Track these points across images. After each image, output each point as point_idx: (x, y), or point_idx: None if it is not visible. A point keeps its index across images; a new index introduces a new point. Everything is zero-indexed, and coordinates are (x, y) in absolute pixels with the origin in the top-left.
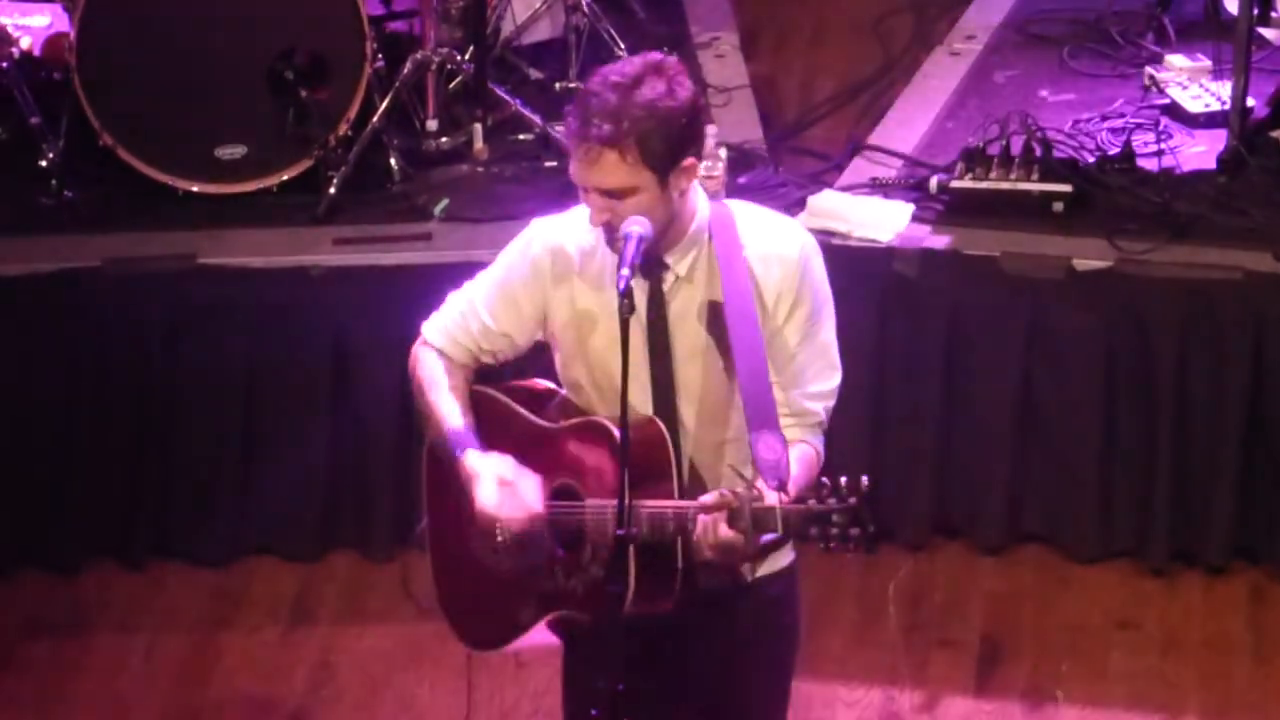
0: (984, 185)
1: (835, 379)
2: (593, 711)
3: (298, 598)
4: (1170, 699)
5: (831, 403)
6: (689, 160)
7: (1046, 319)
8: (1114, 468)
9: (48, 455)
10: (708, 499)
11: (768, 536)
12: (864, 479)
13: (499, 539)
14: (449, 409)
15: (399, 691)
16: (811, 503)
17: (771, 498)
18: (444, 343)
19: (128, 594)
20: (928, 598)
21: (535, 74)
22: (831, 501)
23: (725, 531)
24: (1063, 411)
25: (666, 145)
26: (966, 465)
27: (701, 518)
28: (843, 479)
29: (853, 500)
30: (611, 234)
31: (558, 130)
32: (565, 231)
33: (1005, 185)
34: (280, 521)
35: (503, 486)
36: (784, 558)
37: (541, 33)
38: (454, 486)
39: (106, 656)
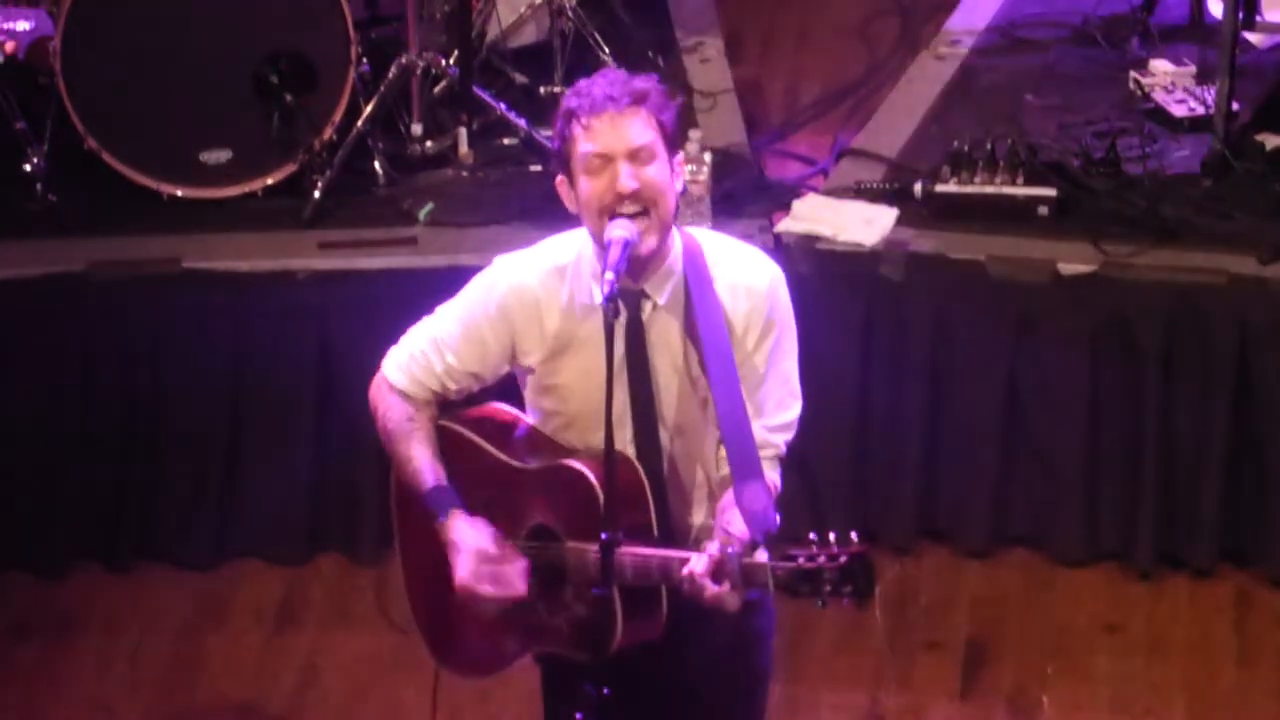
0: (969, 189)
1: (796, 409)
2: (577, 715)
3: (283, 601)
4: (1155, 702)
5: (791, 435)
6: (680, 155)
7: (1032, 322)
8: (1100, 471)
9: (33, 459)
10: (696, 557)
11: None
12: (854, 534)
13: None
14: (423, 462)
15: (384, 696)
16: (802, 560)
17: (761, 554)
18: (406, 384)
19: (113, 598)
20: (913, 601)
21: (520, 78)
22: (822, 559)
23: (713, 588)
24: (1048, 415)
25: (671, 125)
26: (952, 469)
27: (688, 572)
28: (831, 534)
29: (843, 559)
30: (641, 202)
31: (543, 134)
32: (531, 269)
33: (990, 189)
34: (266, 525)
35: (480, 562)
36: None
37: (526, 37)
38: (428, 527)
39: (92, 660)
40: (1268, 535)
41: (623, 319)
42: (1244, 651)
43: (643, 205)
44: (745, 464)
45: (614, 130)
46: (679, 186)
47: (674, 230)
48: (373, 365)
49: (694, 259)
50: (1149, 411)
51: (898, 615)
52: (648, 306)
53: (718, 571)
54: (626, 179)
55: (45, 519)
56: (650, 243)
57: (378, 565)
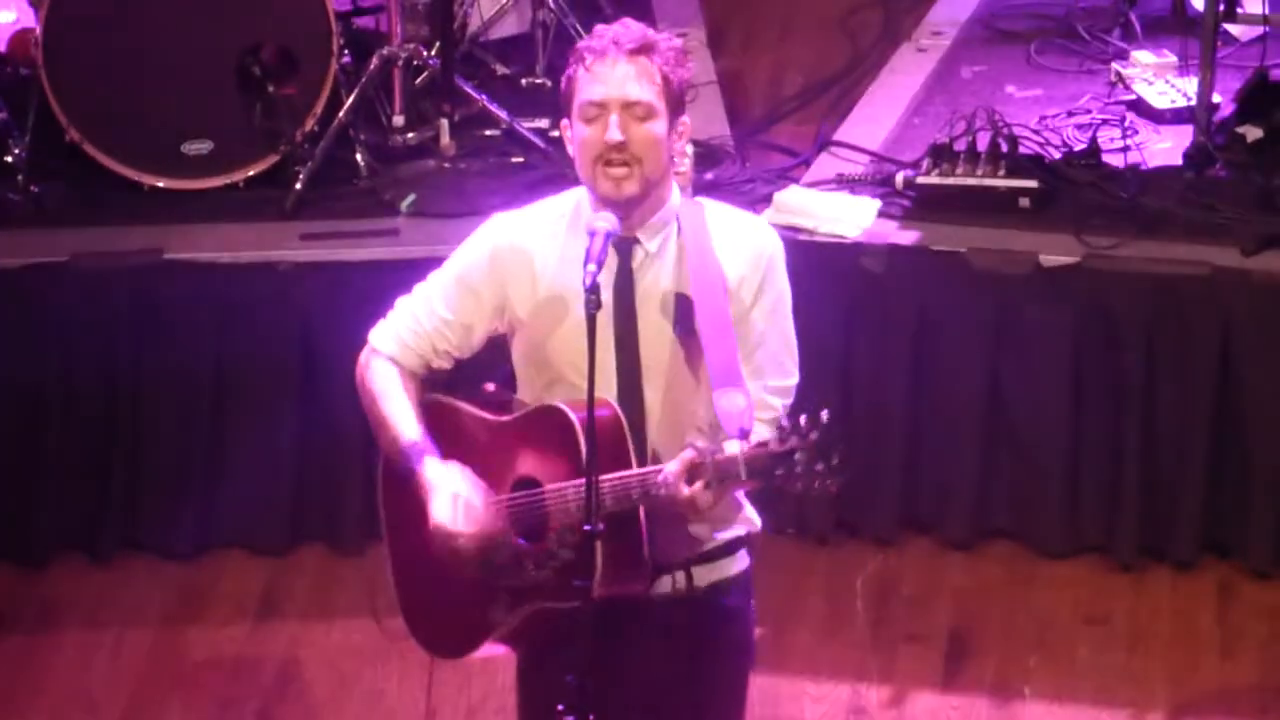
0: (951, 181)
1: (794, 377)
2: (559, 706)
3: (265, 592)
4: (1137, 694)
5: (790, 401)
6: (683, 119)
7: (1014, 315)
8: (1082, 463)
9: (15, 449)
10: (670, 463)
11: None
12: (823, 413)
13: (459, 551)
14: (404, 420)
15: (367, 686)
16: (772, 444)
17: (733, 446)
18: (395, 349)
19: (95, 588)
20: (895, 593)
21: (502, 69)
22: (793, 440)
23: (685, 489)
24: (1030, 407)
25: (678, 83)
26: (934, 460)
27: (663, 478)
28: (802, 417)
29: (812, 436)
30: (623, 156)
31: (525, 125)
32: (526, 225)
33: (972, 181)
34: (249, 515)
35: (455, 500)
36: (736, 564)
37: (508, 28)
38: (412, 498)
39: (74, 650)
40: (1249, 527)
41: (611, 277)
42: (1226, 643)
43: (626, 160)
44: (725, 375)
45: (614, 78)
46: (680, 147)
47: (675, 188)
48: (354, 356)
49: (694, 218)
50: (1131, 403)
51: (880, 607)
52: (639, 254)
53: (692, 474)
54: (613, 129)
55: (27, 509)
56: (629, 189)
57: (361, 555)
